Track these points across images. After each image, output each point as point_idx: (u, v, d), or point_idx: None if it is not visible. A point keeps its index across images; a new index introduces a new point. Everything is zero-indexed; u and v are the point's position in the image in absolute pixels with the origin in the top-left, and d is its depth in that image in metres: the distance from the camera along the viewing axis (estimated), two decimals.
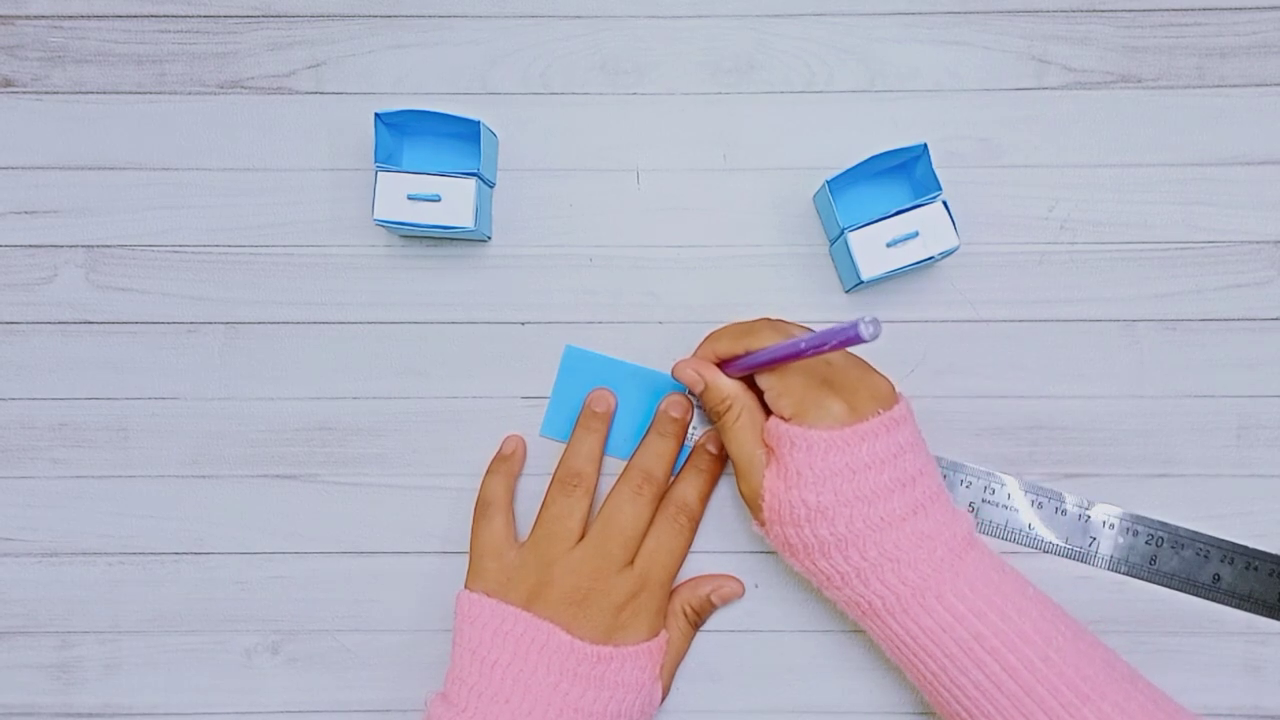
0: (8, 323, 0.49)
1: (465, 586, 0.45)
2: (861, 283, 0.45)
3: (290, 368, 0.49)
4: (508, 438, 0.48)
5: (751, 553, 0.48)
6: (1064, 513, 0.47)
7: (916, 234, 0.45)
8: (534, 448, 0.48)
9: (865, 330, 0.35)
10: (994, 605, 0.39)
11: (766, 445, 0.42)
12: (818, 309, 0.49)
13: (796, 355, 0.39)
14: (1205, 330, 0.48)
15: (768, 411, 0.43)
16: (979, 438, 0.48)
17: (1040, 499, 0.47)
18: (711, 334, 0.45)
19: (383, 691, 0.48)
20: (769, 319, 0.44)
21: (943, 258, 0.45)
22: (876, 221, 0.45)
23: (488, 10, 0.50)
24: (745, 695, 0.48)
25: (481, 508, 0.46)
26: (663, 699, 0.46)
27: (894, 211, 0.45)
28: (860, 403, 0.41)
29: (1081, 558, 0.47)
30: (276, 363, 0.49)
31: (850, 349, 0.41)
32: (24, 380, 0.49)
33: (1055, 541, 0.47)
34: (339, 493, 0.48)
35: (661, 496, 0.46)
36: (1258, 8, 0.49)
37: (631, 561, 0.44)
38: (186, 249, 0.49)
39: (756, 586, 0.48)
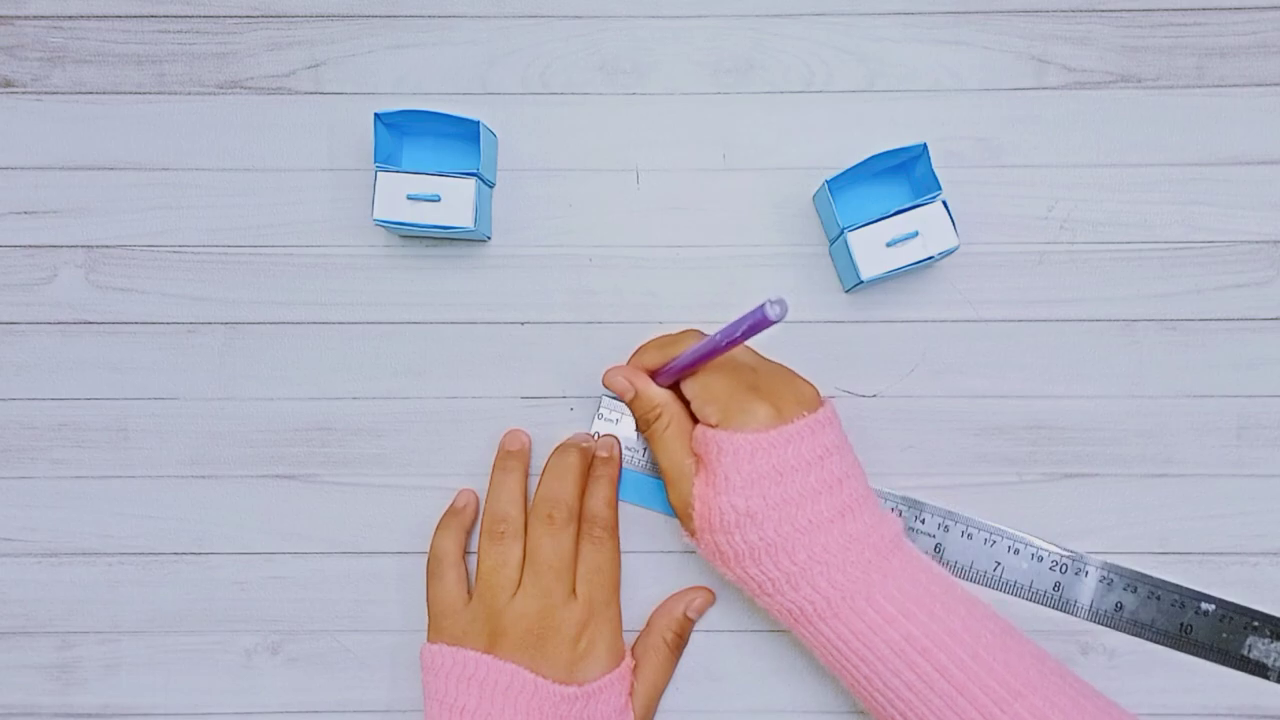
0: (8, 323, 0.49)
1: (427, 640, 0.45)
2: (861, 282, 0.45)
3: (290, 368, 0.49)
4: (460, 491, 0.47)
5: None
6: (969, 536, 0.47)
7: (916, 234, 0.45)
8: (540, 448, 0.48)
9: (771, 311, 0.34)
10: (923, 605, 0.39)
11: (695, 454, 0.42)
12: (818, 309, 0.49)
13: (714, 351, 0.39)
14: (1205, 330, 0.48)
15: (695, 421, 0.43)
16: (979, 438, 0.48)
17: (947, 523, 0.47)
18: (641, 345, 0.45)
19: (383, 691, 0.48)
20: (695, 329, 0.44)
21: (942, 258, 0.45)
22: (876, 221, 0.45)
23: (487, 10, 0.50)
24: (745, 695, 0.48)
25: (433, 565, 0.46)
26: None
27: (894, 211, 0.45)
28: (785, 406, 0.41)
29: (988, 583, 0.47)
30: (276, 363, 0.49)
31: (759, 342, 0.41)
32: (24, 380, 0.49)
33: (963, 565, 0.47)
34: (339, 493, 0.48)
35: (579, 516, 0.45)
36: (1258, 8, 0.49)
37: (574, 591, 0.44)
38: (186, 249, 0.49)
39: None
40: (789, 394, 0.42)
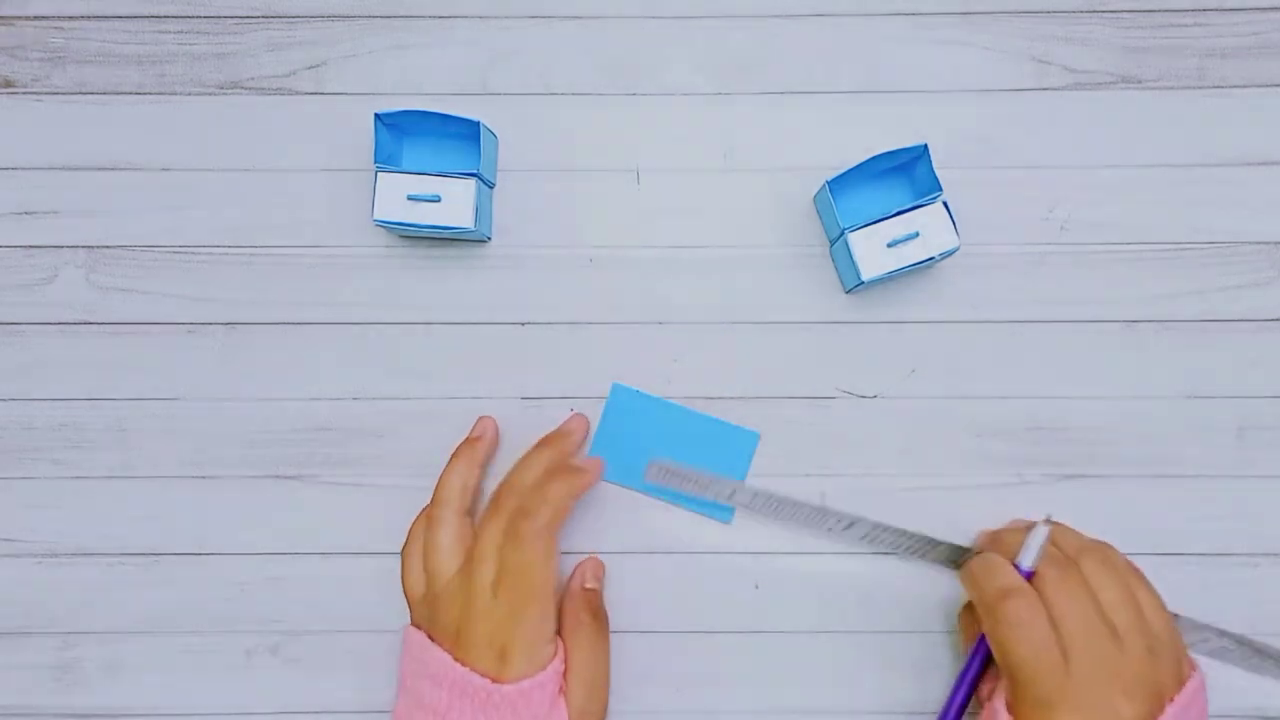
0: (8, 323, 0.49)
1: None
2: (862, 283, 0.45)
3: (290, 368, 0.49)
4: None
5: (752, 553, 0.48)
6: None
7: (917, 234, 0.45)
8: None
9: None
10: None
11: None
12: (818, 309, 0.49)
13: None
14: (1206, 331, 0.48)
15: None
16: (979, 438, 0.48)
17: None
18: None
19: (382, 692, 0.48)
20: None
21: (943, 258, 0.45)
22: (877, 222, 0.45)
23: (488, 10, 0.50)
24: (745, 695, 0.47)
25: (403, 554, 0.46)
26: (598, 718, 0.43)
27: (894, 212, 0.45)
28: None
29: None
30: (276, 363, 0.49)
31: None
32: (24, 380, 0.49)
33: None
34: (339, 493, 0.48)
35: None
36: (1258, 8, 0.49)
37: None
38: (186, 249, 0.49)
39: (757, 587, 0.48)
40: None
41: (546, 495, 0.43)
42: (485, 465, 0.47)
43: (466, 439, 0.47)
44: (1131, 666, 0.39)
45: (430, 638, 0.43)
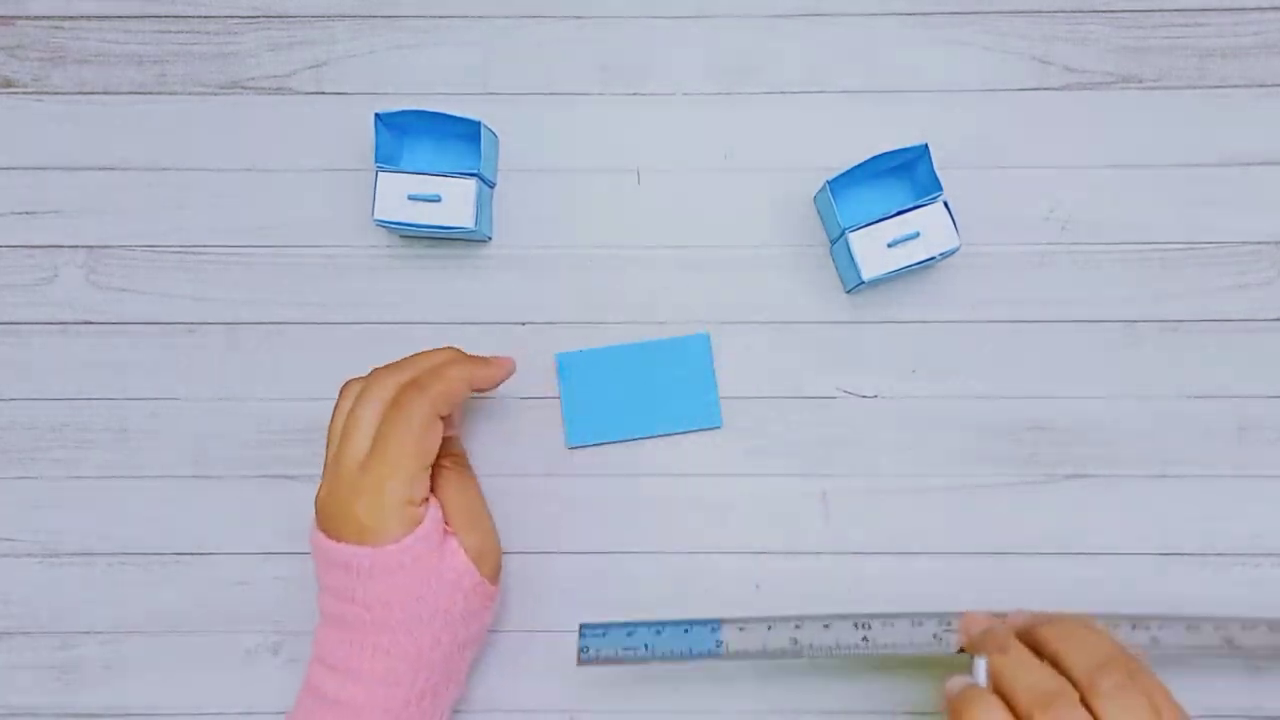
0: (8, 323, 0.49)
1: None
2: (862, 283, 0.45)
3: (290, 368, 0.49)
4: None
5: (753, 553, 0.48)
6: None
7: (917, 234, 0.45)
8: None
9: None
10: None
11: None
12: (818, 309, 0.49)
13: None
14: (1205, 330, 0.48)
15: None
16: (979, 438, 0.48)
17: None
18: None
19: None
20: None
21: (943, 258, 0.45)
22: (877, 222, 0.45)
23: (488, 10, 0.50)
24: (745, 695, 0.47)
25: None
26: (491, 571, 0.42)
27: (895, 212, 0.45)
28: None
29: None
30: (276, 363, 0.49)
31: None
32: (24, 380, 0.49)
33: None
34: None
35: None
36: (1258, 8, 0.49)
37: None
38: (187, 249, 0.49)
39: (758, 587, 0.48)
40: None
41: (441, 373, 0.41)
42: (472, 389, 0.43)
43: (478, 356, 0.44)
44: None
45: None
